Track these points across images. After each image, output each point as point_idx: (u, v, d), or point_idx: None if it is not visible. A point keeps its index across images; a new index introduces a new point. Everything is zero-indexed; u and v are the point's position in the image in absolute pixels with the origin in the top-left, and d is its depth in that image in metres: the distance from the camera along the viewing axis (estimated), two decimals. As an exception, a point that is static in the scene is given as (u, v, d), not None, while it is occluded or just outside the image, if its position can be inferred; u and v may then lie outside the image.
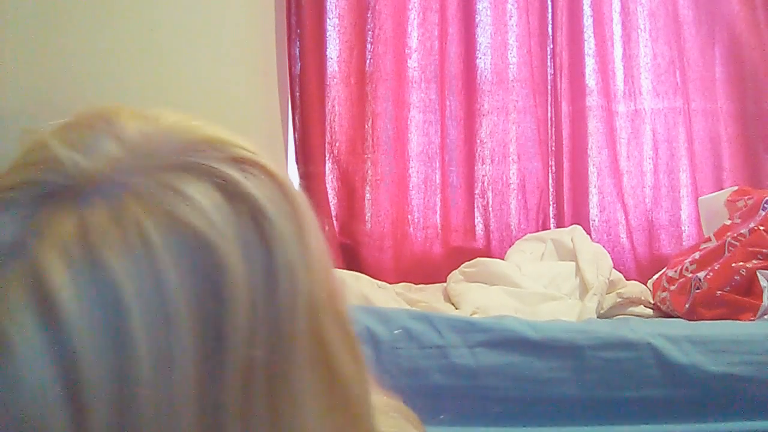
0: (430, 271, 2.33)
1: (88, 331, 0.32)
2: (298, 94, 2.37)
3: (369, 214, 2.39)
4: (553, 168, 2.47)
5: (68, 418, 0.31)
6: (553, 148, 2.47)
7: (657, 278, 2.04)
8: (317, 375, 0.39)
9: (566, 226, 2.33)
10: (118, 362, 0.32)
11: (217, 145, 0.38)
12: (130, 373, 0.32)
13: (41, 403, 0.31)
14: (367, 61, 2.39)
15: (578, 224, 2.29)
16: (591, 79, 2.43)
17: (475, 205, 2.44)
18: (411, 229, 2.40)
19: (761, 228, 1.80)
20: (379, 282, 2.12)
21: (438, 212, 2.42)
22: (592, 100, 2.42)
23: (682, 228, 2.42)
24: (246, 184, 0.37)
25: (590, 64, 2.42)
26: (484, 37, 2.43)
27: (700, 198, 2.28)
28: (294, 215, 0.39)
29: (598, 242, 2.28)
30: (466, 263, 2.14)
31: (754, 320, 1.65)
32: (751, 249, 1.78)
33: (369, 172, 2.38)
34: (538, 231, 2.37)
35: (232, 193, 0.36)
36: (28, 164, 0.36)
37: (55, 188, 0.35)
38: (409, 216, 2.40)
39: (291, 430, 0.37)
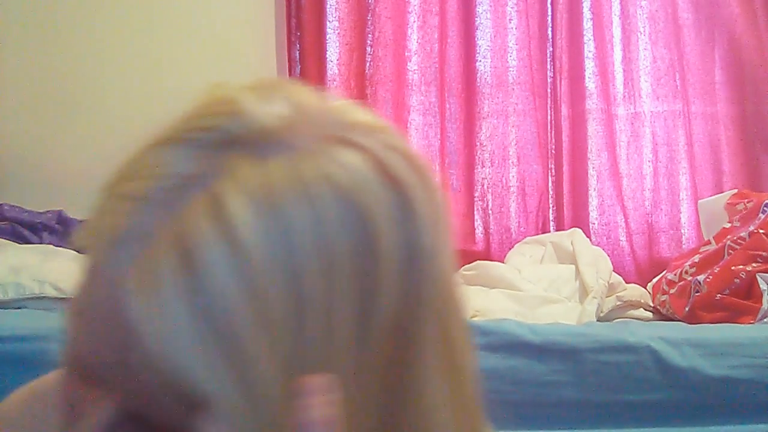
0: (429, 274, 2.33)
1: (269, 263, 0.36)
2: (298, 96, 2.37)
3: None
4: (553, 171, 2.47)
5: (251, 316, 0.35)
6: (552, 151, 2.47)
7: (657, 281, 2.04)
8: (440, 362, 0.42)
9: (566, 229, 2.33)
10: (292, 302, 0.36)
11: (374, 128, 0.42)
12: (300, 314, 0.36)
13: (224, 302, 0.35)
14: (367, 64, 2.39)
15: (578, 227, 2.29)
16: (591, 82, 2.43)
17: (475, 208, 2.44)
18: (411, 232, 2.40)
19: (761, 231, 1.80)
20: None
21: (438, 215, 2.42)
22: (592, 103, 2.42)
23: (682, 231, 2.42)
24: (399, 169, 0.40)
25: (590, 67, 2.42)
26: (483, 40, 2.43)
27: (699, 201, 2.28)
28: (432, 205, 0.42)
29: (597, 245, 2.28)
30: (466, 266, 2.14)
31: (753, 323, 1.65)
32: (750, 252, 1.78)
33: (369, 174, 2.38)
34: (537, 234, 2.37)
35: (385, 174, 0.40)
36: (211, 114, 0.40)
37: (235, 137, 0.38)
38: (409, 219, 2.40)
39: (416, 414, 0.41)
